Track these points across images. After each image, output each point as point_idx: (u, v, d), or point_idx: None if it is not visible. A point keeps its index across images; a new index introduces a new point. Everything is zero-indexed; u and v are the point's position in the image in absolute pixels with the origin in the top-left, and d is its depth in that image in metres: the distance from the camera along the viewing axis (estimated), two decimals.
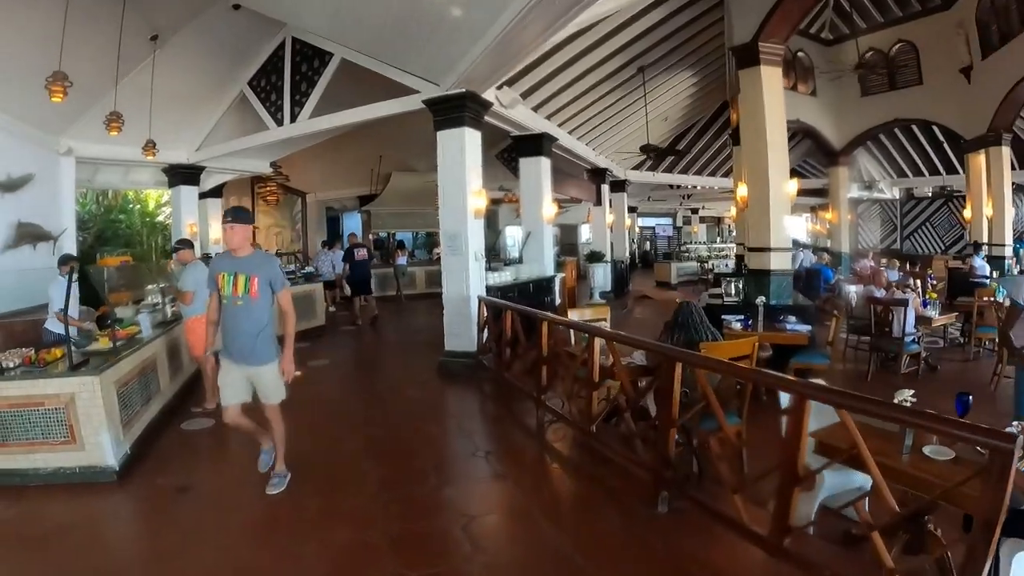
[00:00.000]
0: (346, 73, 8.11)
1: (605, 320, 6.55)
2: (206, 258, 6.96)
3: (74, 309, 5.85)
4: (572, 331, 6.04)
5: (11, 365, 4.59)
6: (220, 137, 9.92)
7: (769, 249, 8.03)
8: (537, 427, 5.44)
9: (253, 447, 4.51)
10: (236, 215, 4.06)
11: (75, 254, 6.17)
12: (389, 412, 6.18)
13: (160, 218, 11.78)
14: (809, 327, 6.62)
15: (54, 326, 5.78)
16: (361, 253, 11.18)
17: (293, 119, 8.69)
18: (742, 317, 6.74)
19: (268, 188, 14.41)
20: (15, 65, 6.33)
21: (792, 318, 6.80)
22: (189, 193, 10.50)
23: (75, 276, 5.76)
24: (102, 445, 4.51)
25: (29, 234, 7.38)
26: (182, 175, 10.32)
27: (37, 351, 4.83)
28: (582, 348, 5.16)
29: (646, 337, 5.05)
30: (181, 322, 6.29)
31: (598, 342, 4.76)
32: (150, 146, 7.41)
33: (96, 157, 8.90)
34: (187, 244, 6.24)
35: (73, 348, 5.17)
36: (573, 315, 6.64)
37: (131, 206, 11.96)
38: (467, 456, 5.06)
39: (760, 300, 6.63)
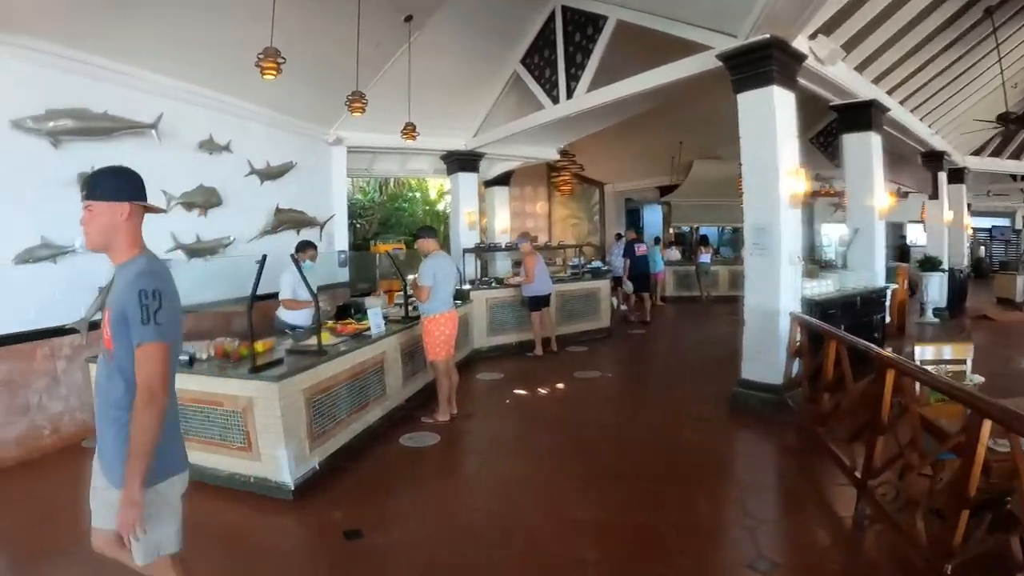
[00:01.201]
0: (623, 38, 6.94)
1: (965, 363, 4.10)
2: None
3: (311, 291, 5.67)
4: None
5: (203, 357, 4.30)
6: (497, 121, 9.42)
7: None
8: (854, 526, 3.50)
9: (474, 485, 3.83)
10: (95, 184, 2.02)
11: (314, 241, 6.01)
12: (647, 460, 4.62)
13: (440, 207, 12.00)
14: None
15: (284, 315, 5.65)
16: (641, 248, 10.70)
17: (569, 95, 7.76)
18: None
19: (562, 177, 13.45)
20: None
21: None
22: (467, 180, 10.29)
23: (311, 264, 5.61)
24: (278, 460, 3.95)
25: (290, 220, 7.64)
26: (459, 162, 10.14)
27: (243, 342, 4.45)
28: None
29: None
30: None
31: (988, 426, 2.49)
32: (409, 129, 7.09)
33: (366, 146, 9.08)
34: (430, 232, 5.62)
35: (290, 342, 4.93)
36: (918, 353, 4.14)
37: (412, 194, 12.51)
38: (737, 567, 3.20)
39: None
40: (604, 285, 9.54)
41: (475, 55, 8.31)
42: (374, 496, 4.05)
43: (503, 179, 11.82)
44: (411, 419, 5.49)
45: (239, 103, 6.78)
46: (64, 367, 5.04)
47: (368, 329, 5.29)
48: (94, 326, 4.95)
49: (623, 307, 11.61)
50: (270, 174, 7.29)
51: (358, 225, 11.02)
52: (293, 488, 3.94)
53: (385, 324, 5.61)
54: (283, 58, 4.77)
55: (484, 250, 10.17)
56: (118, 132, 5.39)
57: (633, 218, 17.00)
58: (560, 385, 6.76)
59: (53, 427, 4.99)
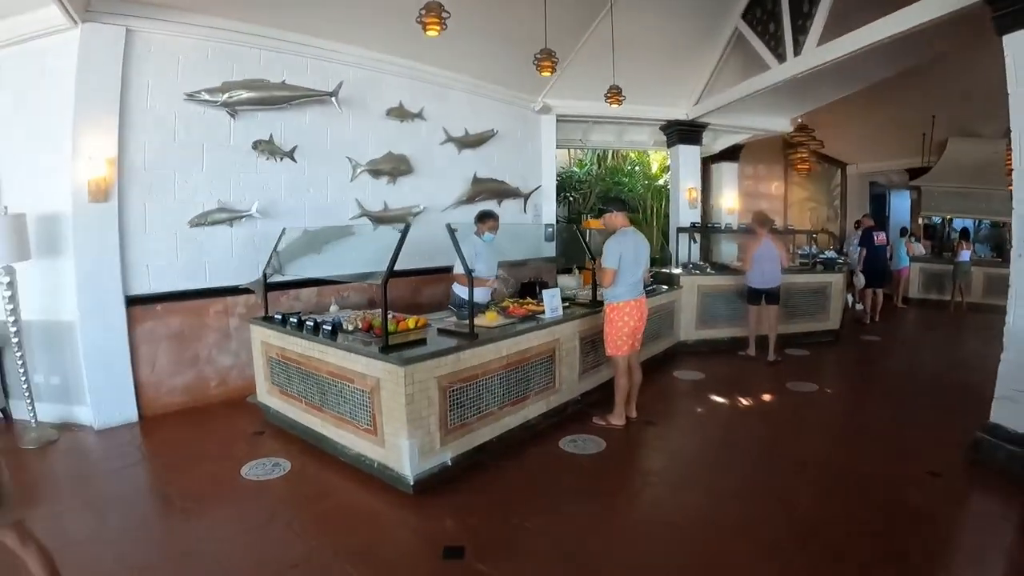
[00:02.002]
0: None
1: None
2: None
3: (490, 269, 5.13)
4: None
5: (350, 328, 3.90)
6: (720, 87, 8.02)
7: None
8: None
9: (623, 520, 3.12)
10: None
11: (494, 211, 5.32)
12: (850, 521, 3.18)
13: (661, 182, 10.65)
14: None
15: (459, 290, 5.11)
16: (880, 237, 9.21)
17: (797, 51, 6.34)
18: None
19: (799, 155, 11.80)
20: (478, 33, 6.06)
21: None
22: (689, 153, 8.94)
23: (491, 236, 5.03)
24: (400, 449, 3.44)
25: (488, 190, 7.15)
26: (679, 133, 8.84)
27: (396, 316, 4.01)
28: None
29: None
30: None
31: None
32: (614, 93, 6.09)
33: (576, 114, 8.26)
34: (619, 205, 4.65)
35: (453, 320, 4.38)
36: None
37: (633, 168, 11.33)
38: None
39: None
40: (836, 280, 7.63)
41: (692, 12, 7.08)
42: (500, 507, 3.34)
43: (731, 154, 10.50)
44: (583, 417, 4.69)
45: (435, 71, 6.53)
46: (236, 324, 5.22)
47: (543, 312, 4.56)
48: (270, 288, 4.93)
49: (858, 306, 9.61)
50: (468, 142, 6.93)
51: (571, 198, 10.27)
52: (413, 482, 3.43)
53: (568, 307, 4.90)
54: (447, 12, 4.19)
55: (698, 230, 8.79)
56: (296, 101, 5.44)
57: (878, 204, 14.36)
58: (767, 397, 5.40)
59: (220, 379, 5.22)
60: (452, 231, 3.98)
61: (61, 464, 4.09)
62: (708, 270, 7.37)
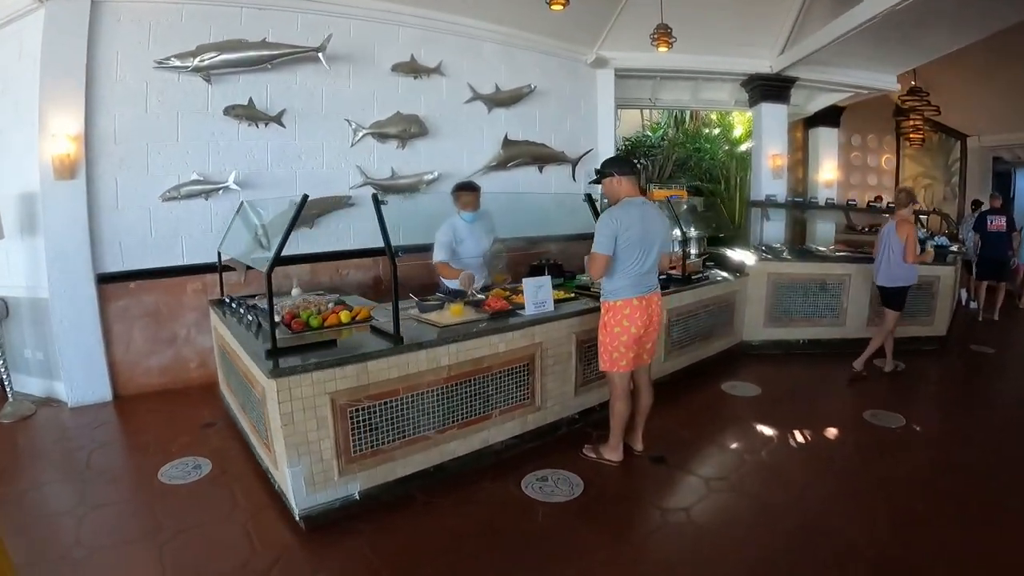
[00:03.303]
0: None
1: None
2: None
3: (476, 253, 4.30)
4: None
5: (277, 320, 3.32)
6: (810, 32, 6.44)
7: None
8: None
9: None
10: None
11: (473, 183, 4.38)
12: None
13: (745, 147, 8.97)
14: None
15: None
16: (997, 223, 7.63)
17: None
18: None
19: (911, 122, 9.88)
20: None
21: None
22: (774, 113, 7.40)
23: (469, 215, 4.17)
24: (285, 477, 2.80)
25: (525, 154, 6.20)
26: (762, 89, 7.32)
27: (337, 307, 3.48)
28: None
29: None
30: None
31: None
32: (661, 34, 4.92)
33: (639, 68, 7.03)
34: (620, 167, 3.39)
35: (417, 312, 3.65)
36: None
37: (711, 131, 9.67)
38: None
39: None
40: (946, 274, 6.00)
41: None
42: (409, 558, 2.63)
43: (830, 118, 9.01)
44: (581, 440, 3.74)
45: (458, 20, 5.73)
46: None
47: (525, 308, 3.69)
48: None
49: (972, 303, 7.99)
50: (500, 100, 6.07)
51: (642, 165, 8.98)
52: (299, 517, 2.80)
53: (575, 299, 4.07)
54: None
55: (775, 205, 7.26)
56: (279, 61, 4.89)
57: (1002, 183, 12.19)
58: (833, 431, 4.12)
59: (200, 361, 4.92)
60: (379, 203, 3.19)
61: (21, 439, 4.02)
62: (784, 255, 5.95)
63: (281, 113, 4.99)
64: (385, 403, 2.99)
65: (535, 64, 6.31)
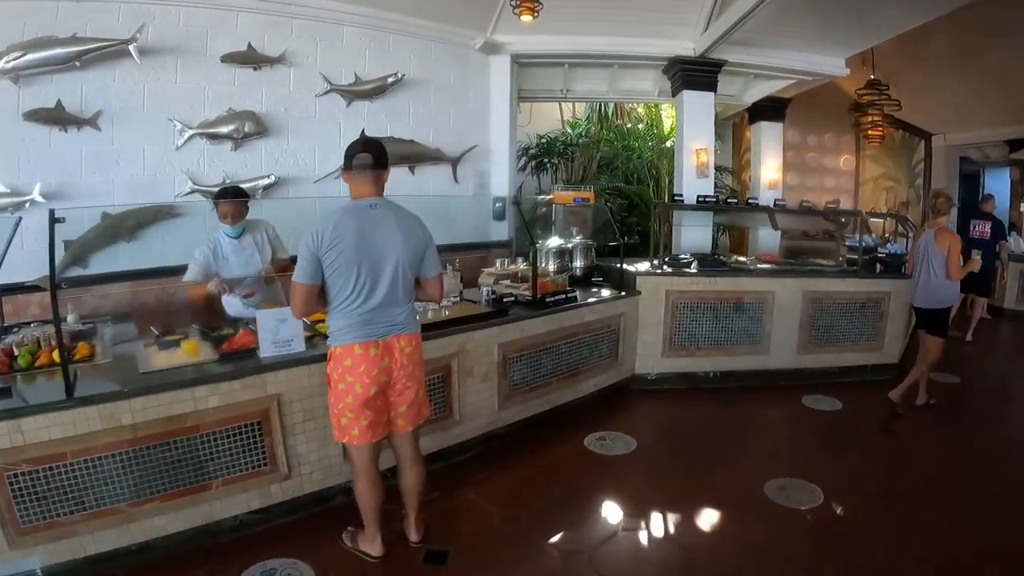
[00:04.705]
0: None
1: None
2: None
3: (243, 271, 3.64)
4: None
5: None
6: (740, 6, 5.44)
7: None
8: None
9: None
10: None
11: (238, 187, 3.80)
12: None
13: (670, 143, 8.13)
14: None
15: (227, 302, 3.75)
16: (981, 229, 6.82)
17: None
18: None
19: (870, 118, 9.17)
20: None
21: None
22: (697, 103, 6.49)
23: (230, 229, 3.57)
24: None
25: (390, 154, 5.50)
26: (684, 75, 6.43)
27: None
28: None
29: None
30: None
31: None
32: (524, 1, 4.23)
33: (541, 53, 6.23)
34: (353, 155, 2.60)
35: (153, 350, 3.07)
36: None
37: (636, 126, 8.71)
38: None
39: None
40: (898, 287, 5.16)
41: None
42: None
43: (772, 111, 8.26)
44: (353, 519, 2.88)
45: (312, 2, 5.04)
46: None
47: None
48: (72, 284, 4.18)
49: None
50: (361, 92, 5.37)
51: (552, 165, 8.22)
52: None
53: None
54: None
55: (683, 207, 6.17)
56: (89, 56, 4.29)
57: (969, 185, 11.75)
58: (715, 518, 3.17)
59: None
60: (54, 221, 2.58)
61: None
62: (691, 268, 5.20)
63: (97, 115, 4.44)
64: (51, 468, 2.44)
65: (410, 50, 5.59)
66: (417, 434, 2.80)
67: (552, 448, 3.93)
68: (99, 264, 4.54)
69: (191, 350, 3.02)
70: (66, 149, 4.40)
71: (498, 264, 4.74)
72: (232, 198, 3.58)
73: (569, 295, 4.29)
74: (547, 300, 4.12)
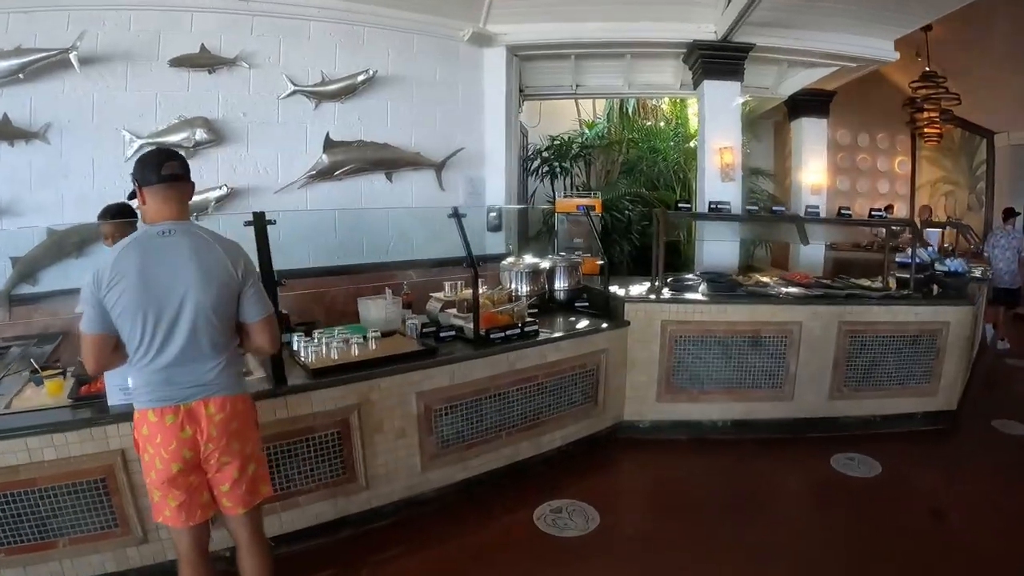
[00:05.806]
0: None
1: None
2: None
3: None
4: None
5: None
6: None
7: None
8: None
9: None
10: None
11: (126, 204, 3.29)
12: None
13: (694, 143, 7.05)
14: None
15: None
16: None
17: None
18: None
19: (926, 115, 8.16)
20: None
21: None
22: (720, 94, 5.51)
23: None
24: None
25: (359, 159, 4.90)
26: (705, 63, 5.46)
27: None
28: None
29: None
30: None
31: None
32: None
33: (540, 42, 5.45)
34: (145, 170, 2.08)
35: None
36: None
37: (657, 124, 7.60)
38: None
39: None
40: (959, 316, 4.19)
41: None
42: None
43: (814, 106, 7.06)
44: None
45: None
46: None
47: None
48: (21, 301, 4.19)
49: (1000, 343, 6.67)
50: (329, 93, 4.90)
51: (560, 169, 7.36)
52: None
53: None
54: None
55: (694, 216, 5.37)
56: (32, 68, 4.07)
57: None
58: None
59: None
60: None
61: None
62: (696, 291, 4.33)
63: (46, 128, 4.26)
64: None
65: (387, 45, 5.04)
66: (258, 515, 2.26)
67: (491, 521, 3.28)
68: (49, 282, 4.37)
69: (55, 389, 2.70)
70: (15, 163, 4.24)
71: (447, 287, 4.10)
72: (115, 217, 3.19)
73: (527, 329, 3.59)
74: (491, 336, 3.45)
